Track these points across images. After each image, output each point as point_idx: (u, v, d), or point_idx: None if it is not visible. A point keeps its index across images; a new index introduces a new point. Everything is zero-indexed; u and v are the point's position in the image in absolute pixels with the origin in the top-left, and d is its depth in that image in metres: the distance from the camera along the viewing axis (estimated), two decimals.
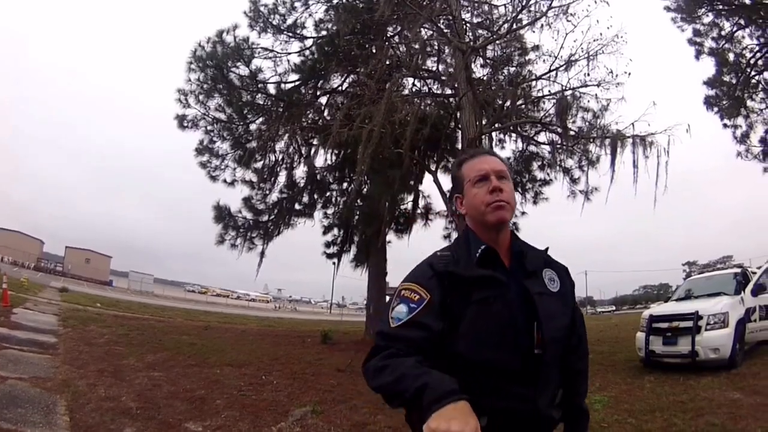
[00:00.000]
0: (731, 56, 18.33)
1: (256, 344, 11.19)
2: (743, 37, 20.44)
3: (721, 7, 19.67)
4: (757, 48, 20.33)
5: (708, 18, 19.53)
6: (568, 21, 10.22)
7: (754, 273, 8.94)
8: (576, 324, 1.52)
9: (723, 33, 19.52)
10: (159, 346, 8.86)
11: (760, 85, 19.45)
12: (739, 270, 9.32)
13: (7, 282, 14.11)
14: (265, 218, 12.21)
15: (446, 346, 1.32)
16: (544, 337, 1.34)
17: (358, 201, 11.94)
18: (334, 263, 12.78)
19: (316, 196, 12.41)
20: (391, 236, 13.14)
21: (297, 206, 12.37)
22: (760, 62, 20.59)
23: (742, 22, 20.01)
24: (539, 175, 13.52)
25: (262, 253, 12.31)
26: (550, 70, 11.73)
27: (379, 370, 1.26)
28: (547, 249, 1.55)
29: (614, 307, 70.51)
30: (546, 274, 1.47)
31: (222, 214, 12.37)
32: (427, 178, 11.69)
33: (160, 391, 5.77)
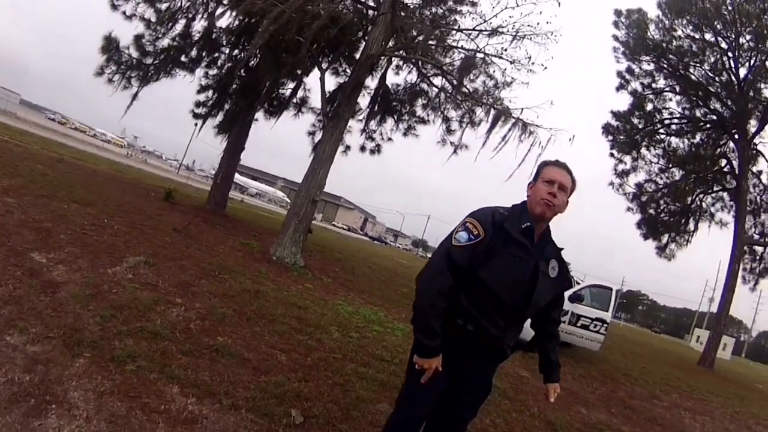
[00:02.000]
0: (650, 106, 19.66)
1: (104, 187, 11.20)
2: (671, 99, 21.67)
3: (666, 65, 20.67)
4: (678, 116, 21.82)
5: (648, 66, 20.49)
6: None
7: (578, 283, 9.62)
8: (557, 302, 2.28)
9: (654, 85, 20.69)
10: (15, 172, 8.71)
11: (662, 145, 21.05)
12: None
13: None
14: (149, 61, 11.52)
15: (475, 268, 1.96)
16: (531, 300, 2.03)
17: (242, 71, 11.62)
18: (196, 124, 12.47)
19: (204, 54, 11.85)
20: (259, 115, 13.02)
21: (183, 58, 11.78)
22: (673, 127, 22.21)
23: (677, 88, 21.27)
24: (419, 111, 13.56)
25: (135, 95, 11.65)
26: (473, 29, 11.78)
27: (432, 305, 1.96)
28: (562, 249, 2.20)
29: None
30: (551, 263, 2.12)
31: (110, 46, 11.55)
32: (314, 74, 11.60)
33: (11, 217, 5.79)
